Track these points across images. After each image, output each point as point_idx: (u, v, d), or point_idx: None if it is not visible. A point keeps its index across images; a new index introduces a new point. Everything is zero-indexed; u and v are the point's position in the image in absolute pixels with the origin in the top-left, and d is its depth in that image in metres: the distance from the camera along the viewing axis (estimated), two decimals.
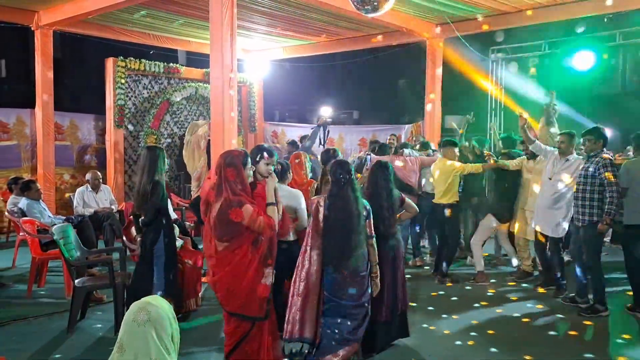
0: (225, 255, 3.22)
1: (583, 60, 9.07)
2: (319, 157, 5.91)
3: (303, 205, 4.09)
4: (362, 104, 18.23)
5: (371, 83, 17.20)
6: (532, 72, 9.84)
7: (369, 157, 6.74)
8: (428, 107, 8.98)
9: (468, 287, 5.81)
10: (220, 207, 3.18)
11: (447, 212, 5.92)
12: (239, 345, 3.29)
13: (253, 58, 11.57)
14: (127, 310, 3.97)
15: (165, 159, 4.52)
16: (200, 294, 5.17)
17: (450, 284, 5.85)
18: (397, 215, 4.27)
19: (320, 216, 3.57)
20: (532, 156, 5.78)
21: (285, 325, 3.51)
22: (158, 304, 1.88)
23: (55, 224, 5.34)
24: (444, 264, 5.98)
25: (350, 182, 3.63)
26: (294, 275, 3.59)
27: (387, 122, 14.00)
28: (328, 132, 7.73)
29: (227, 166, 3.24)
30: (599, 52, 9.01)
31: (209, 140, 8.49)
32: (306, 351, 3.51)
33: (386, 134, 10.25)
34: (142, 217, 4.39)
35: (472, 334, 4.48)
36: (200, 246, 4.29)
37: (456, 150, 6.07)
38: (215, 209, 3.22)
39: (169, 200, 4.65)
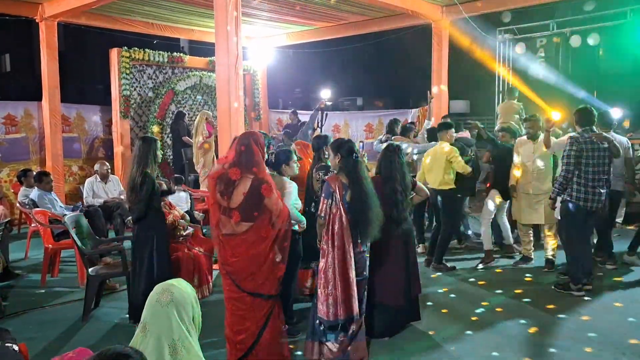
0: (248, 236, 3.26)
1: (592, 39, 8.94)
2: None
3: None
4: (366, 89, 18.13)
5: (376, 68, 17.11)
6: (540, 53, 9.73)
7: (361, 144, 6.71)
8: (434, 89, 8.89)
9: (478, 269, 5.81)
10: (252, 184, 3.25)
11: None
12: (266, 325, 3.35)
13: (256, 45, 11.49)
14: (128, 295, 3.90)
15: (159, 152, 4.40)
16: (211, 282, 5.21)
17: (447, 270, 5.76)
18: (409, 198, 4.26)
19: (346, 196, 3.56)
20: (533, 137, 5.71)
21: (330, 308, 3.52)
22: (181, 286, 1.90)
23: (66, 214, 5.38)
24: (439, 252, 5.83)
25: (360, 161, 3.67)
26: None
27: (392, 107, 13.94)
28: (326, 115, 7.70)
29: (255, 144, 3.35)
30: (607, 30, 8.88)
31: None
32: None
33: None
34: (132, 213, 4.28)
35: (483, 315, 4.49)
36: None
37: (452, 132, 5.92)
38: (244, 186, 3.25)
39: (159, 194, 4.44)
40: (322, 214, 3.57)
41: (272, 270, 3.33)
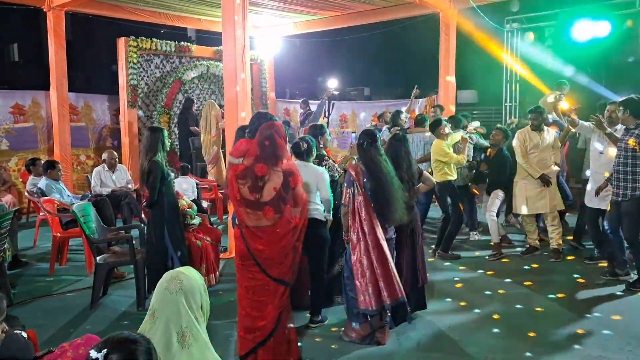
0: (277, 227, 3.28)
1: (600, 29, 8.82)
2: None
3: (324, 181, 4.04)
4: (373, 79, 17.99)
5: (383, 58, 16.97)
6: (548, 42, 9.63)
7: (354, 135, 6.72)
8: (447, 78, 8.86)
9: (485, 260, 5.81)
10: (284, 176, 3.29)
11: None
12: (281, 315, 3.39)
13: (263, 35, 11.44)
14: (146, 284, 3.99)
15: (167, 140, 4.60)
16: (218, 271, 5.25)
17: (450, 261, 5.77)
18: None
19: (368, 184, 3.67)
20: (537, 128, 5.66)
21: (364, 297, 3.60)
22: (190, 274, 1.92)
23: (74, 203, 5.43)
24: (446, 241, 5.86)
25: (375, 146, 3.77)
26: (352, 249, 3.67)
27: (400, 97, 13.84)
28: (333, 104, 7.71)
29: (279, 137, 3.35)
30: (616, 19, 8.76)
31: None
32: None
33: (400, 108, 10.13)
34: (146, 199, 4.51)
35: (489, 304, 4.50)
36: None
37: (443, 126, 5.89)
38: (275, 182, 3.26)
39: (170, 180, 4.66)
40: (346, 203, 3.69)
41: (294, 258, 3.38)
